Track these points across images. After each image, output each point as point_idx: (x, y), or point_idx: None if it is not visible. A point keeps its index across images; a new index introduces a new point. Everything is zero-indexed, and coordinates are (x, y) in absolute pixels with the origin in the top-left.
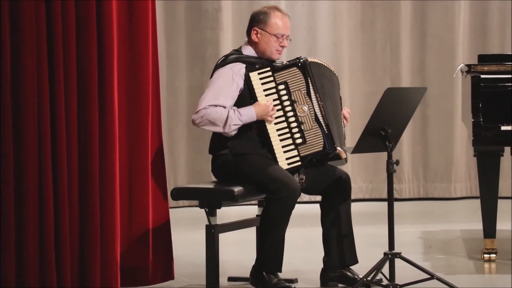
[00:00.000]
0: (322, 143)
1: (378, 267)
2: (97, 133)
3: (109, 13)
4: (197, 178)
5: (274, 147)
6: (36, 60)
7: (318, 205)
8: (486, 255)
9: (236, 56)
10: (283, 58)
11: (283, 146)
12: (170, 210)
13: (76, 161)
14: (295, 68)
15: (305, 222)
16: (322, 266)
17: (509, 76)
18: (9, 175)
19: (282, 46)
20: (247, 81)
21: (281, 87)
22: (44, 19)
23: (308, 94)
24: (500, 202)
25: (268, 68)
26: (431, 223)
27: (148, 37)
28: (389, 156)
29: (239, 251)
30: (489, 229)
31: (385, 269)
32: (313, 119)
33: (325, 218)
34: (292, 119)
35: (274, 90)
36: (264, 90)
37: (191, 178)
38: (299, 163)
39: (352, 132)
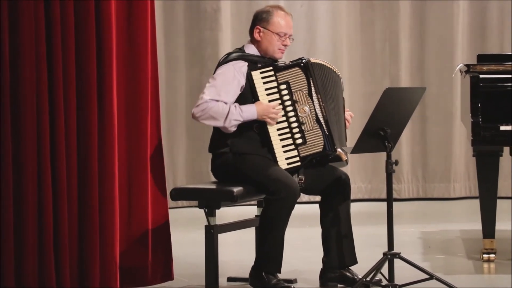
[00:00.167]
0: (322, 144)
1: (377, 267)
2: (96, 133)
3: (108, 13)
4: (196, 178)
5: (274, 147)
6: (35, 60)
7: (317, 206)
8: (485, 255)
9: (238, 54)
10: (282, 58)
11: (283, 146)
12: (169, 211)
13: (75, 161)
14: (297, 68)
15: (305, 223)
16: (321, 266)
17: (508, 76)
18: (8, 174)
19: (285, 45)
20: (249, 80)
21: (283, 87)
22: (43, 19)
23: (310, 94)
24: (499, 202)
25: (270, 68)
26: (430, 223)
27: (147, 37)
28: (388, 156)
29: (238, 252)
30: (488, 229)
31: (385, 269)
32: (314, 120)
33: (324, 219)
34: (293, 119)
35: (275, 90)
36: (266, 90)
37: (190, 178)
38: (299, 163)
39: (351, 132)
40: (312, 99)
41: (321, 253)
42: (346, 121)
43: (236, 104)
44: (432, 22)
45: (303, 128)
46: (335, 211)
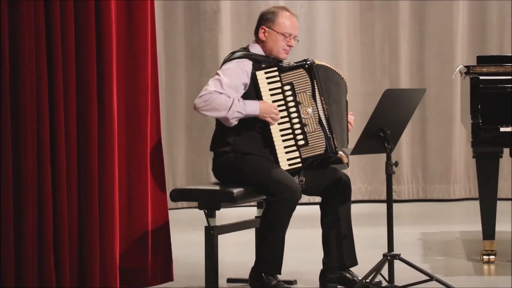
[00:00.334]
0: (324, 146)
1: (377, 269)
2: (96, 134)
3: (108, 13)
4: (196, 179)
5: (276, 147)
6: (35, 60)
7: (317, 207)
8: (485, 257)
9: (243, 53)
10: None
11: (285, 147)
12: (169, 211)
13: (75, 162)
14: (302, 69)
15: (305, 224)
16: (321, 267)
17: (508, 77)
18: (8, 174)
19: (289, 46)
20: (254, 79)
21: (287, 87)
22: (43, 19)
23: (313, 96)
24: (499, 204)
25: (275, 68)
26: (430, 224)
27: (147, 37)
28: (388, 158)
29: (238, 253)
30: (488, 231)
31: (384, 270)
32: (317, 122)
33: (325, 220)
34: (296, 120)
35: (279, 90)
36: (270, 90)
37: (190, 179)
38: (300, 164)
39: (351, 133)
40: (315, 101)
41: (321, 254)
42: (349, 124)
43: (240, 98)
44: (432, 23)
45: (305, 130)
46: (336, 212)
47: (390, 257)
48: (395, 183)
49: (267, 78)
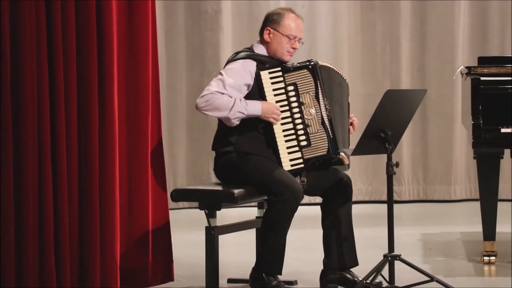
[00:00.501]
0: (326, 147)
1: (377, 269)
2: (97, 134)
3: (109, 13)
4: (197, 179)
5: (279, 148)
6: (36, 60)
7: (318, 207)
8: (485, 258)
9: (247, 53)
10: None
11: (287, 147)
12: (170, 212)
13: (76, 162)
14: (306, 70)
15: (305, 224)
16: (322, 267)
17: (509, 78)
18: (9, 175)
19: (294, 48)
20: (257, 79)
21: (290, 88)
22: (44, 18)
23: (317, 97)
24: (500, 205)
25: (279, 68)
26: (431, 225)
27: (148, 37)
28: (389, 158)
29: (239, 253)
30: (489, 232)
31: (385, 271)
32: (320, 123)
33: (325, 220)
34: (299, 121)
35: (283, 91)
36: (273, 90)
37: (191, 179)
38: (302, 165)
39: (352, 134)
40: (318, 101)
41: (321, 255)
42: (351, 126)
43: (242, 98)
44: (433, 23)
45: (308, 131)
46: (337, 212)
47: (390, 258)
48: (395, 184)
49: (271, 78)
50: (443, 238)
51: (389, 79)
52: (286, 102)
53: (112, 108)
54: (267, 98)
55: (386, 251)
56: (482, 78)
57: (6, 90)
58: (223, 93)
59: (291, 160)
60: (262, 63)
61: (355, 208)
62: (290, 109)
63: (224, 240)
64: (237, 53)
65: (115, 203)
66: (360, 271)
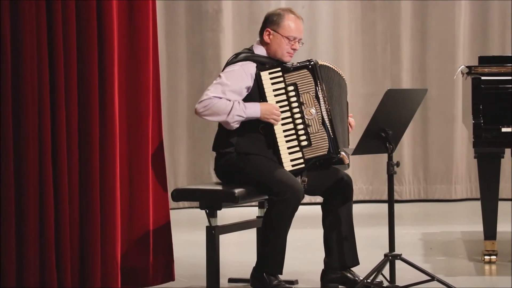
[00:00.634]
0: (327, 147)
1: (378, 269)
2: (98, 134)
3: (109, 13)
4: (197, 179)
5: (280, 148)
6: (36, 60)
7: (319, 207)
8: (486, 257)
9: (247, 55)
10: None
11: (288, 148)
12: (171, 211)
13: (76, 162)
14: (306, 70)
15: (306, 224)
16: (322, 267)
17: (510, 77)
18: (9, 174)
19: (294, 49)
20: (258, 80)
21: (290, 88)
22: (45, 18)
23: (317, 97)
24: (501, 204)
25: (279, 69)
26: (431, 224)
27: (148, 37)
28: (390, 158)
29: (240, 253)
30: (490, 231)
31: (386, 270)
32: (320, 123)
33: (326, 220)
34: (299, 121)
35: (283, 91)
36: (274, 90)
37: (191, 179)
38: (303, 165)
39: (352, 133)
40: (318, 101)
41: (322, 254)
42: (349, 126)
43: (240, 101)
44: (433, 23)
45: (308, 131)
46: (337, 212)
47: (391, 257)
48: (396, 184)
49: (271, 78)
50: (443, 237)
51: (389, 79)
52: (286, 102)
53: (112, 108)
54: (268, 98)
55: (386, 250)
56: (482, 78)
57: (6, 90)
58: (221, 98)
59: (292, 160)
60: (262, 64)
61: (356, 208)
62: (291, 109)
63: (224, 240)
64: (236, 54)
65: (115, 203)
66: (361, 271)
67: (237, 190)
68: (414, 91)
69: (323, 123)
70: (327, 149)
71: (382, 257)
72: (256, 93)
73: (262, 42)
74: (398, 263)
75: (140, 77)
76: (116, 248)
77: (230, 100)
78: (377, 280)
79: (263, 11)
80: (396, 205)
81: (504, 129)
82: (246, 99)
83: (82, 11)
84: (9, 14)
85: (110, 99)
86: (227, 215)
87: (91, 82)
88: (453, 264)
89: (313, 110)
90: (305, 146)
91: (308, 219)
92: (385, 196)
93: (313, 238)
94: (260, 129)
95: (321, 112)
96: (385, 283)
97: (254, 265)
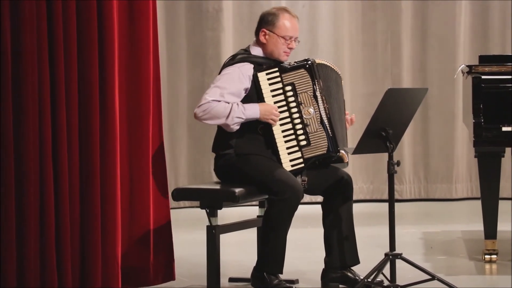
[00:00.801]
0: (326, 146)
1: (379, 268)
2: (98, 134)
3: (110, 13)
4: (198, 178)
5: (279, 148)
6: (37, 60)
7: (319, 206)
8: (487, 256)
9: (244, 56)
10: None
11: (287, 148)
12: (171, 211)
13: (77, 161)
14: (303, 69)
15: (306, 223)
16: (323, 266)
17: (510, 77)
18: (10, 174)
19: (290, 48)
20: (255, 81)
21: (288, 88)
22: (45, 19)
23: (315, 96)
24: (501, 203)
25: (276, 69)
26: (432, 224)
27: (149, 37)
28: (390, 157)
29: (240, 252)
30: (490, 230)
31: (386, 269)
32: (319, 122)
33: (326, 219)
34: (298, 120)
35: (281, 91)
36: (272, 91)
37: (192, 178)
38: (302, 165)
39: (352, 132)
40: (316, 100)
41: (323, 254)
42: (347, 123)
43: (239, 103)
44: (434, 23)
45: (307, 130)
46: (337, 211)
47: (392, 257)
48: (397, 183)
49: (269, 79)
50: (444, 236)
51: (390, 78)
52: (284, 102)
53: (113, 107)
54: (265, 99)
55: (387, 249)
56: (483, 77)
57: (7, 90)
58: (219, 101)
59: (291, 160)
60: (259, 64)
61: (356, 207)
62: (289, 109)
63: (225, 239)
64: (233, 56)
65: (116, 203)
66: (361, 270)
67: (237, 190)
68: (414, 91)
69: (322, 122)
70: (326, 148)
71: (383, 256)
72: (254, 94)
73: (258, 43)
74: (399, 262)
75: (141, 76)
76: (117, 247)
77: (228, 103)
78: (377, 279)
79: (264, 10)
80: (396, 204)
81: (504, 128)
82: (245, 101)
83: (82, 11)
84: (9, 14)
85: (110, 99)
86: (227, 214)
87: (91, 82)
88: (453, 263)
89: (311, 110)
90: (304, 146)
91: (308, 219)
92: (385, 195)
93: (314, 238)
94: (259, 130)
95: (319, 111)
96: (386, 282)
97: (254, 264)
